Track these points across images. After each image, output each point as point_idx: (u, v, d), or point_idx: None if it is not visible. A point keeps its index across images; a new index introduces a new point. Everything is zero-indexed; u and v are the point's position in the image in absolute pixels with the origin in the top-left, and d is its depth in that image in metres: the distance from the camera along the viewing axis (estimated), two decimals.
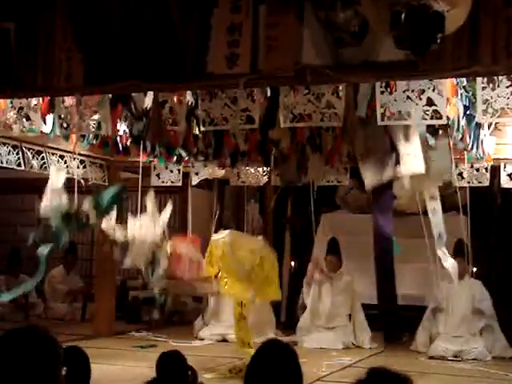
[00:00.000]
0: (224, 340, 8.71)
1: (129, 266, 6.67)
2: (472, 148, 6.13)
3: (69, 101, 5.66)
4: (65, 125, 5.80)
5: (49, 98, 5.65)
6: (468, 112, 5.43)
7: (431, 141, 5.66)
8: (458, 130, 5.53)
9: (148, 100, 5.58)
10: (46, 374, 2.19)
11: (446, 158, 5.85)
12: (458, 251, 7.93)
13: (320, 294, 8.85)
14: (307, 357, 6.23)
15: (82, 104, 5.48)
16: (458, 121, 5.37)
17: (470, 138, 5.86)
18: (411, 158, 5.48)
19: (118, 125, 6.12)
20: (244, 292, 6.58)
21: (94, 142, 7.00)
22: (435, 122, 4.89)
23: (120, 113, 5.78)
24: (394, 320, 8.63)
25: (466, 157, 6.56)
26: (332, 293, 8.81)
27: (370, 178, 5.68)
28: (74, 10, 4.33)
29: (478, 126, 5.88)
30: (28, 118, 5.89)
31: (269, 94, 5.37)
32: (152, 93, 5.34)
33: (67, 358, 3.60)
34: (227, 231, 6.89)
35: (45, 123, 5.97)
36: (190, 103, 5.60)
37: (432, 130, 5.60)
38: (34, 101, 5.81)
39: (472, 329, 7.96)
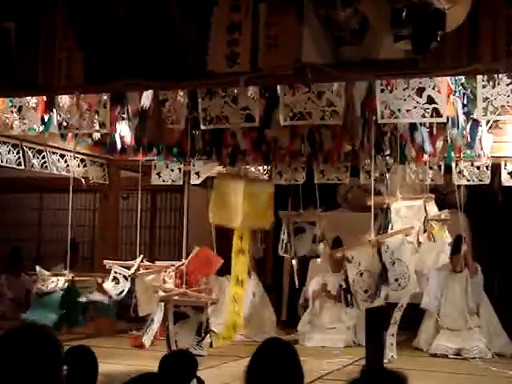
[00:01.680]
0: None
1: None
2: (470, 146, 6.14)
3: (67, 100, 5.65)
4: (64, 124, 5.79)
5: (47, 96, 5.64)
6: (466, 110, 5.43)
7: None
8: (457, 128, 5.53)
9: (144, 99, 5.58)
10: (47, 374, 2.19)
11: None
12: (456, 247, 7.95)
13: (325, 306, 8.86)
14: (308, 355, 6.23)
15: (81, 103, 5.48)
16: (458, 119, 5.37)
17: (468, 135, 5.86)
18: (405, 278, 5.67)
19: (118, 124, 6.10)
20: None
21: (90, 141, 6.99)
22: (435, 120, 4.89)
23: (114, 111, 5.78)
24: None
25: (462, 155, 6.56)
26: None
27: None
28: (74, 8, 4.34)
29: (476, 123, 5.88)
30: (27, 118, 5.89)
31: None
32: (148, 92, 5.34)
33: (75, 356, 3.61)
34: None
35: (43, 122, 5.96)
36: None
37: None
38: (33, 100, 5.80)
39: (469, 322, 7.98)
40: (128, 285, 6.37)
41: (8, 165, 7.07)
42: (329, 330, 8.67)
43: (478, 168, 7.76)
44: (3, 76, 4.61)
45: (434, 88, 4.66)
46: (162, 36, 4.21)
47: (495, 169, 7.86)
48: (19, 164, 7.16)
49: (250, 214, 6.84)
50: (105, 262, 6.61)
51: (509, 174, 7.77)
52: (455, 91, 5.16)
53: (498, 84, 4.55)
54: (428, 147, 6.06)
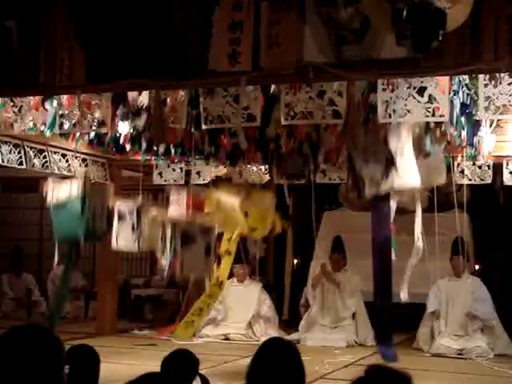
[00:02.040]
0: (226, 339, 8.72)
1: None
2: (469, 145, 6.13)
3: (68, 99, 5.65)
4: (66, 123, 5.79)
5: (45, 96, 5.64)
6: (467, 110, 5.42)
7: (429, 149, 5.70)
8: (455, 127, 5.52)
9: (142, 98, 5.58)
10: (49, 373, 2.19)
11: (439, 164, 5.94)
12: (455, 249, 7.94)
13: (326, 293, 8.84)
14: (310, 355, 6.22)
15: (83, 102, 5.47)
16: (457, 118, 5.36)
17: (467, 135, 5.85)
18: (406, 172, 5.51)
19: (120, 123, 6.10)
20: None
21: (88, 139, 6.99)
22: (437, 119, 4.88)
23: (114, 110, 5.78)
24: (386, 320, 8.58)
25: (464, 154, 6.55)
26: (338, 291, 8.80)
27: (369, 188, 5.71)
28: (75, 7, 4.33)
29: (477, 123, 5.87)
30: (28, 117, 5.89)
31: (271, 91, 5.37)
32: (148, 91, 5.34)
33: (77, 355, 3.62)
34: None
35: (44, 122, 5.96)
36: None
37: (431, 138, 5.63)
38: (33, 99, 5.80)
39: (472, 326, 7.96)
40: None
41: (9, 164, 7.07)
42: (330, 329, 8.67)
43: (480, 167, 7.76)
44: (4, 76, 4.61)
45: (435, 87, 4.66)
46: (163, 35, 4.21)
47: (497, 168, 7.85)
48: (20, 164, 7.17)
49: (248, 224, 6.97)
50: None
51: (510, 173, 7.76)
52: (457, 91, 5.15)
53: (500, 83, 4.55)
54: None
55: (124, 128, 6.20)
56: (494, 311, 8.06)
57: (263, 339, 4.05)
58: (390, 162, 5.51)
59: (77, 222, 6.51)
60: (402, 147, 5.47)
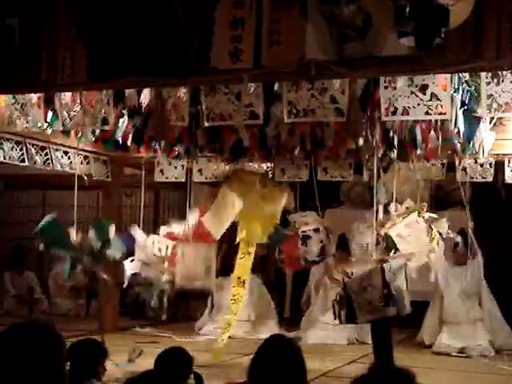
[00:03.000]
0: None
1: None
2: (468, 142, 6.12)
3: (69, 97, 5.65)
4: (68, 120, 5.78)
5: (48, 93, 5.63)
6: (468, 107, 5.41)
7: None
8: (455, 125, 5.52)
9: (143, 95, 5.57)
10: (50, 370, 2.18)
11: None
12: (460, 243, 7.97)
13: (328, 294, 8.84)
14: (311, 352, 6.22)
15: (84, 100, 5.47)
16: (456, 115, 5.35)
17: (467, 132, 5.84)
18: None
19: (121, 120, 6.09)
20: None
21: (91, 137, 6.98)
22: (439, 117, 4.87)
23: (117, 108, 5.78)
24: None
25: (459, 149, 6.55)
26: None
27: (366, 314, 5.86)
28: (78, 6, 4.33)
29: (477, 120, 5.86)
30: (30, 114, 5.88)
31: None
32: (148, 88, 5.34)
33: (82, 349, 3.64)
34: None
35: (46, 119, 5.96)
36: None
37: None
38: (35, 96, 5.79)
39: (471, 314, 7.98)
40: None
41: (11, 161, 7.06)
42: (331, 326, 8.67)
43: (482, 165, 7.74)
44: (6, 73, 4.61)
45: (437, 85, 4.65)
46: (165, 33, 4.21)
47: (499, 166, 7.84)
48: (22, 161, 7.15)
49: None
50: None
51: None
52: (457, 88, 5.14)
53: (502, 81, 4.53)
54: (420, 143, 6.05)
55: (125, 125, 6.19)
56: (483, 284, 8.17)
57: (264, 336, 4.05)
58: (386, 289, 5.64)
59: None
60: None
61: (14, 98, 5.80)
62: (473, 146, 6.24)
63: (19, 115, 5.92)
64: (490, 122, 6.10)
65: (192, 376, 4.19)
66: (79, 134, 6.62)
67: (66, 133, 6.51)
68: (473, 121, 5.71)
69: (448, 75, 4.67)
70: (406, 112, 4.73)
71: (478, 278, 8.15)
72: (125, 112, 5.91)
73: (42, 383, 2.14)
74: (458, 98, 5.22)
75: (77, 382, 3.39)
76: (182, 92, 5.42)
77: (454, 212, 7.45)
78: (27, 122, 5.92)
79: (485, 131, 6.20)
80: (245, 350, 6.64)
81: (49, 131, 6.17)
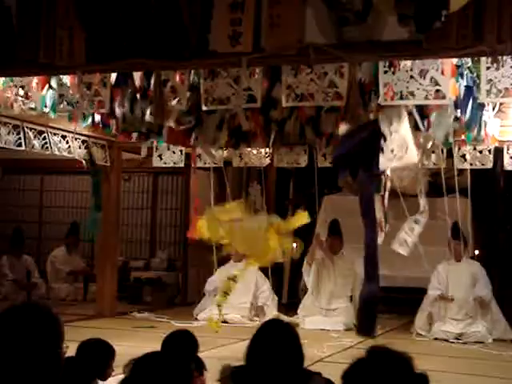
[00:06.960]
0: (224, 321, 8.71)
1: None
2: (472, 128, 6.10)
3: (69, 79, 5.61)
4: (65, 103, 5.75)
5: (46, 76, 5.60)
6: (471, 93, 5.39)
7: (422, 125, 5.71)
8: (460, 110, 5.49)
9: (140, 79, 5.55)
10: (46, 351, 2.18)
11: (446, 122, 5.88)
12: (454, 234, 7.95)
13: (321, 276, 8.86)
14: (308, 338, 6.23)
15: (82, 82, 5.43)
16: (460, 101, 5.33)
17: (472, 118, 5.82)
18: (402, 150, 5.48)
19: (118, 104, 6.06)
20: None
21: (91, 121, 6.96)
22: (438, 102, 4.85)
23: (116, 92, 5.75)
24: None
25: (465, 136, 6.53)
26: (334, 274, 8.83)
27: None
28: None
29: (481, 107, 5.84)
30: (28, 97, 5.85)
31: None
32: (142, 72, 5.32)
33: (91, 350, 3.65)
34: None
35: (44, 102, 5.92)
36: None
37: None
38: (34, 79, 5.76)
39: (471, 311, 7.96)
40: None
41: (8, 146, 7.00)
42: (328, 312, 8.69)
43: (481, 152, 7.74)
44: (4, 55, 4.58)
45: (437, 70, 4.62)
46: (164, 15, 4.19)
47: (498, 153, 7.83)
48: (19, 145, 7.10)
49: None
50: None
51: (511, 158, 7.74)
52: (461, 73, 5.12)
53: (503, 66, 4.50)
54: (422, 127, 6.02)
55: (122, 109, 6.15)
56: (491, 292, 8.08)
57: (262, 321, 4.05)
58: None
59: None
60: (398, 125, 5.43)
61: (11, 80, 5.77)
62: (477, 132, 6.23)
63: (17, 98, 5.89)
64: (494, 109, 6.08)
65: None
66: (80, 119, 6.60)
67: (68, 117, 6.48)
68: (477, 107, 5.69)
69: (449, 60, 4.65)
70: (405, 96, 4.71)
71: (478, 283, 8.07)
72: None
73: (38, 362, 2.14)
74: (462, 83, 5.20)
75: (83, 381, 3.39)
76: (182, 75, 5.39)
77: (453, 199, 7.43)
78: (24, 106, 5.88)
79: (488, 118, 6.19)
80: (243, 335, 6.64)
81: (52, 115, 6.12)
